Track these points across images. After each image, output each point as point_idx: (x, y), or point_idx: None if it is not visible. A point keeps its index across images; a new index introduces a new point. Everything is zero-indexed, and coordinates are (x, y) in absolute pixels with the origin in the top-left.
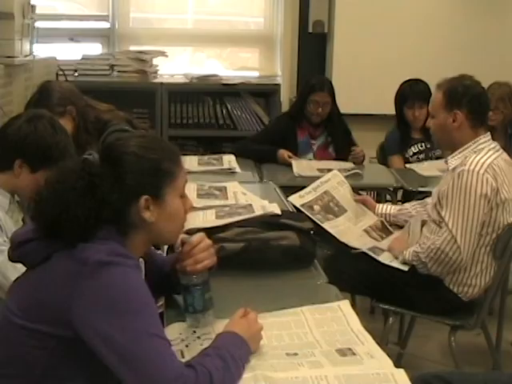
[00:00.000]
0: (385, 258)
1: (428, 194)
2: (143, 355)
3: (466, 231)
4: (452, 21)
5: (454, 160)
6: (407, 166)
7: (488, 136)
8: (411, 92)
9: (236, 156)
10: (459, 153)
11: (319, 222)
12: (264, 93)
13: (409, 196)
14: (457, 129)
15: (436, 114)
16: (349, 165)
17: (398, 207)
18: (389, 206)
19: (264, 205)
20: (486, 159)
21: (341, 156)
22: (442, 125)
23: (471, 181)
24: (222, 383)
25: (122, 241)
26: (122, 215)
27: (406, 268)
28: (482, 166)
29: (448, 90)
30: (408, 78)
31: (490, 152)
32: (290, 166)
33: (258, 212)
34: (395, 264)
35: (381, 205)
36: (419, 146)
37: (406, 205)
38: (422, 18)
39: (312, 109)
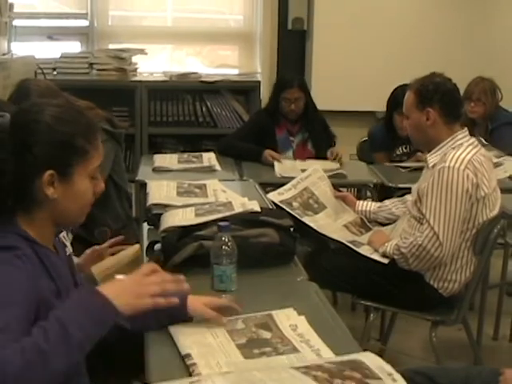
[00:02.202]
0: (365, 251)
1: (408, 191)
2: None
3: (448, 228)
4: (432, 18)
5: (433, 157)
6: (386, 164)
7: (465, 132)
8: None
9: (219, 154)
10: (438, 150)
11: (298, 217)
12: (244, 90)
13: (388, 192)
14: (431, 126)
15: (409, 115)
16: (334, 165)
17: (378, 204)
18: (369, 203)
19: (244, 202)
20: (466, 155)
21: (320, 152)
22: (416, 124)
23: (452, 177)
24: (24, 359)
25: (20, 222)
26: (23, 189)
27: (386, 261)
28: (462, 162)
29: (418, 89)
30: (398, 80)
31: (470, 147)
32: (272, 165)
33: (238, 209)
34: (375, 256)
35: (361, 202)
36: (404, 148)
37: (386, 202)
38: (401, 14)
39: (285, 106)
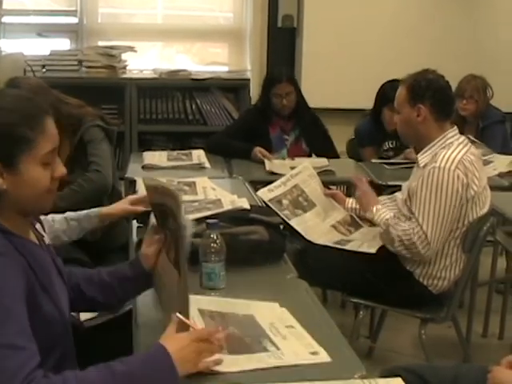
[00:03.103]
0: (352, 247)
1: (397, 189)
2: None
3: (437, 228)
4: (422, 15)
5: (424, 157)
6: (373, 160)
7: (455, 130)
8: (394, 94)
9: (208, 151)
10: (428, 149)
11: (286, 219)
12: (233, 87)
13: (377, 190)
14: (421, 123)
15: (401, 110)
16: (323, 162)
17: None
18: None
19: (233, 200)
20: (457, 155)
21: (314, 149)
22: (406, 120)
23: (442, 178)
24: None
25: None
26: None
27: (373, 250)
28: (452, 162)
29: (411, 85)
30: (388, 78)
31: (460, 147)
32: (262, 163)
33: (227, 207)
34: (362, 249)
35: (351, 199)
36: (390, 143)
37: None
38: (392, 12)
39: (277, 103)
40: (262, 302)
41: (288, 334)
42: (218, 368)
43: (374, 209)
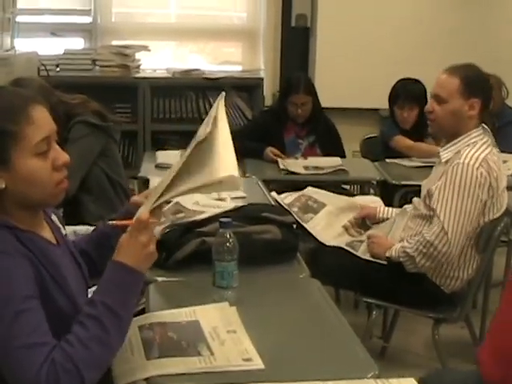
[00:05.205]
0: (364, 252)
1: (412, 188)
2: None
3: (458, 226)
4: (435, 14)
5: (446, 153)
6: (388, 160)
7: (480, 130)
8: (404, 92)
9: None
10: (452, 145)
11: (300, 220)
12: (247, 87)
13: (391, 190)
14: (468, 118)
15: (451, 100)
16: (336, 161)
17: (398, 210)
18: (389, 210)
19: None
20: (481, 153)
21: (328, 154)
22: (455, 111)
23: (466, 174)
24: (92, 352)
25: None
26: None
27: (384, 262)
28: (477, 159)
29: (467, 77)
30: (402, 77)
31: (484, 146)
32: (275, 163)
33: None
34: (374, 258)
35: (381, 208)
36: None
37: (406, 207)
38: (405, 10)
39: (292, 110)
40: (212, 304)
41: (228, 339)
42: (143, 372)
43: (393, 250)
